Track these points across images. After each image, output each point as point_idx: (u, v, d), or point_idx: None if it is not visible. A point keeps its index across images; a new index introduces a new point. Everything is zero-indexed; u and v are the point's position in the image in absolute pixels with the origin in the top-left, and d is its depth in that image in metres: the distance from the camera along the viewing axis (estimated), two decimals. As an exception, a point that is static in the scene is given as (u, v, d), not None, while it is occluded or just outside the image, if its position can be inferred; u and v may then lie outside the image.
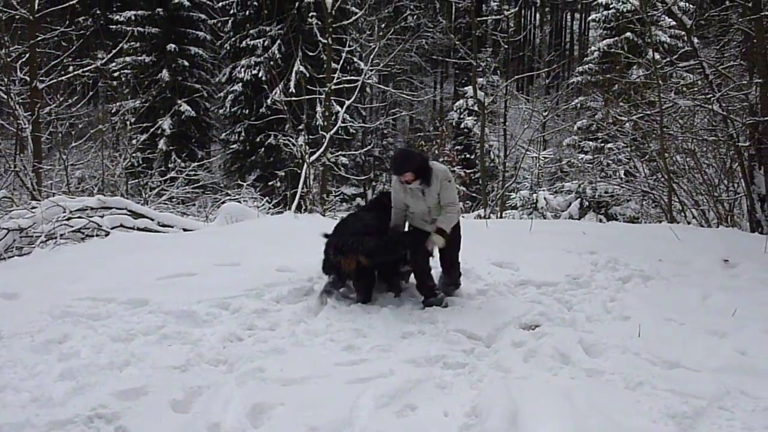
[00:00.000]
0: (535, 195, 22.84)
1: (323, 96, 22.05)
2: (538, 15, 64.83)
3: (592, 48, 32.39)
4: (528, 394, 5.09)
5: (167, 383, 5.25)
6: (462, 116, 36.48)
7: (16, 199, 14.58)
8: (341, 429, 4.66)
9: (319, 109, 27.82)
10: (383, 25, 25.18)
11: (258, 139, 33.23)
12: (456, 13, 40.46)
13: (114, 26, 33.65)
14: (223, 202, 16.93)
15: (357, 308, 7.20)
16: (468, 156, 35.65)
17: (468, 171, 28.29)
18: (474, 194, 28.40)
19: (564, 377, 5.59)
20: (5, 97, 17.27)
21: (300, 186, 17.13)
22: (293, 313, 7.04)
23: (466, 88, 37.29)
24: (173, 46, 34.32)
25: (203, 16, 36.79)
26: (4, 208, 13.73)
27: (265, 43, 33.20)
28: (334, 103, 22.07)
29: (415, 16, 28.66)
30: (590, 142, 26.48)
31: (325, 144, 18.83)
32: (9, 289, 7.94)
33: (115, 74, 29.50)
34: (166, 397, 5.02)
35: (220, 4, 36.37)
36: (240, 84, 33.64)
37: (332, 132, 19.11)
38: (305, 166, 17.39)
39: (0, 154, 17.28)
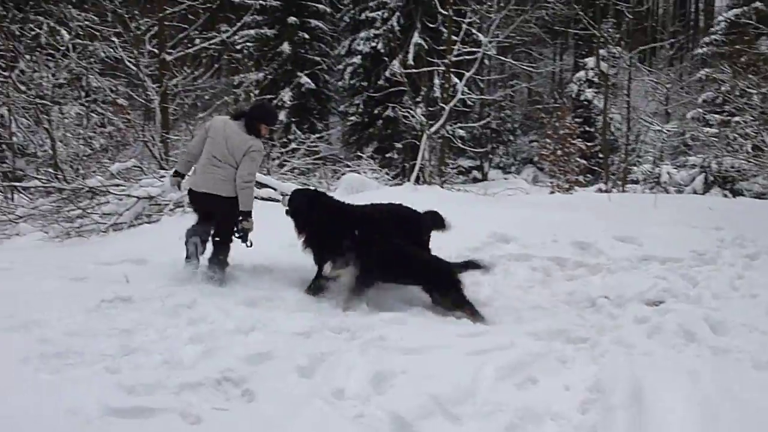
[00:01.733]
0: (657, 169, 22.22)
1: (442, 68, 21.93)
2: (662, -16, 62.83)
3: (719, 18, 31.16)
4: (652, 370, 4.98)
5: (292, 349, 5.35)
6: (582, 88, 35.68)
7: (145, 168, 15.06)
8: (462, 399, 4.65)
9: (437, 81, 27.69)
10: (504, -4, 24.78)
11: (376, 111, 33.32)
12: (578, -18, 39.61)
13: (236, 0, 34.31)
14: (344, 173, 17.09)
15: (481, 279, 7.16)
16: (587, 129, 34.93)
17: (589, 144, 27.67)
18: (594, 167, 27.84)
19: (689, 355, 5.45)
20: (135, 69, 17.81)
21: (419, 158, 17.13)
22: (414, 283, 7.07)
23: (586, 59, 36.43)
24: (294, 19, 34.68)
25: (324, -11, 37.09)
26: (134, 176, 14.21)
27: (384, 15, 33.20)
28: (453, 76, 21.93)
29: (535, -13, 28.10)
30: (716, 115, 25.51)
31: (444, 116, 18.73)
32: (139, 255, 8.27)
33: (238, 47, 30.03)
34: (291, 363, 5.11)
35: (341, -24, 36.59)
36: (359, 56, 33.78)
37: (451, 104, 18.99)
38: (424, 137, 17.37)
39: (130, 124, 17.87)
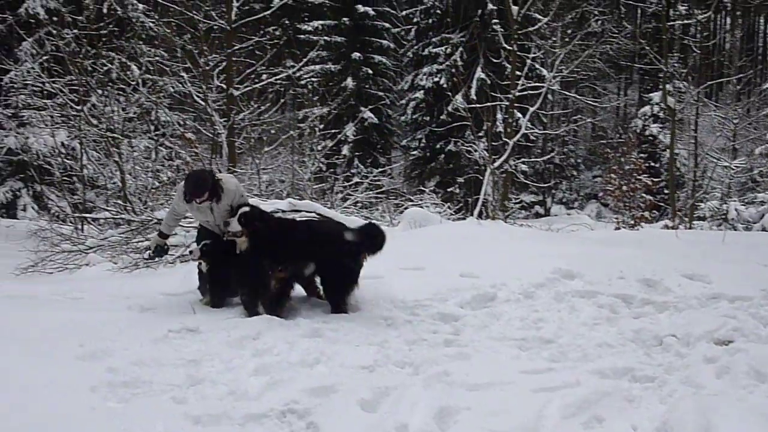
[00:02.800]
0: (725, 205, 21.79)
1: (505, 103, 21.91)
2: (728, 19, 61.95)
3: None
4: (721, 411, 4.83)
5: (356, 382, 5.33)
6: (647, 123, 35.30)
7: (212, 200, 15.28)
8: (526, 436, 4.58)
9: (499, 115, 27.68)
10: (569, 31, 24.69)
11: (438, 146, 33.44)
12: (642, 17, 39.28)
13: (302, 36, 34.73)
14: (406, 208, 17.10)
15: (546, 316, 7.09)
16: (652, 164, 34.47)
17: (654, 180, 27.31)
18: (660, 203, 27.43)
19: (760, 396, 5.28)
20: (203, 103, 18.16)
21: (482, 192, 17.08)
22: (476, 318, 7.05)
23: (651, 94, 36.08)
24: (358, 54, 35.15)
25: (387, 25, 37.47)
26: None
27: (447, 51, 33.39)
28: (516, 111, 21.90)
29: (599, 22, 27.92)
30: (785, 151, 25.01)
31: (508, 151, 18.68)
32: (206, 286, 8.36)
33: (303, 82, 30.44)
34: (355, 396, 5.08)
35: (404, 13, 36.88)
36: (422, 91, 33.99)
37: (515, 139, 18.94)
38: (488, 172, 17.32)
39: (197, 157, 18.18)
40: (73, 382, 5.19)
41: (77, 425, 4.57)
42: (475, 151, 19.87)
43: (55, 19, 23.05)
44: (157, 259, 8.64)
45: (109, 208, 15.88)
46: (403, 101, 36.02)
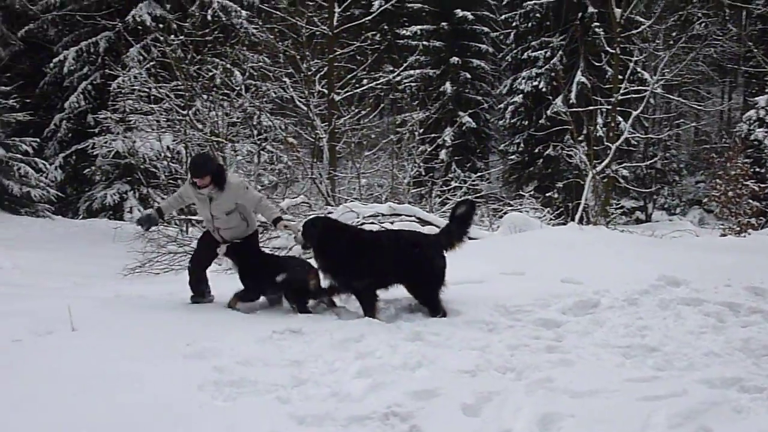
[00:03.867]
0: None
1: (607, 107, 21.54)
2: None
3: None
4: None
5: (457, 387, 5.32)
6: (752, 128, 34.15)
7: (313, 204, 15.48)
8: (636, 446, 4.48)
9: (600, 120, 27.25)
10: (673, 34, 24.10)
11: (537, 150, 33.09)
12: (748, 19, 38.07)
13: (401, 41, 34.87)
14: (505, 212, 17.00)
15: (651, 323, 6.93)
16: (758, 170, 33.36)
17: (762, 185, 26.38)
18: (767, 210, 26.50)
19: None
20: (305, 108, 18.42)
21: (583, 197, 16.83)
22: (579, 324, 6.95)
23: (757, 98, 34.87)
24: (456, 59, 35.12)
25: (486, 29, 37.36)
26: (302, 212, 14.62)
27: (547, 54, 33.05)
28: (618, 115, 21.52)
29: (704, 24, 27.16)
30: None
31: (610, 155, 18.35)
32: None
33: (402, 87, 30.55)
34: (457, 401, 5.07)
35: (503, 17, 36.60)
36: (520, 95, 33.70)
37: (617, 144, 18.59)
38: (589, 177, 17.06)
39: (299, 161, 18.42)
40: (182, 380, 5.36)
41: (187, 422, 4.72)
42: (575, 155, 19.55)
43: (161, 25, 23.67)
44: (145, 228, 8.68)
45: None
46: (502, 105, 35.77)
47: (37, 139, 26.77)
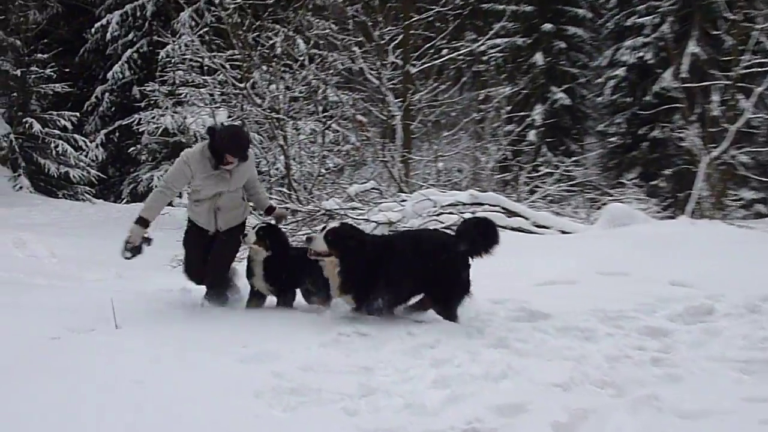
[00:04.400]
0: None
1: (725, 82, 21.10)
2: None
3: None
4: None
5: (547, 402, 5.25)
6: None
7: (384, 190, 15.54)
8: (753, 476, 4.41)
9: (716, 97, 26.71)
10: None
11: (641, 132, 32.55)
12: None
13: (486, 5, 34.59)
14: (605, 203, 16.83)
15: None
16: None
17: None
18: None
19: None
20: (376, 82, 18.42)
21: (695, 187, 16.56)
22: (690, 334, 6.85)
23: None
24: (549, 26, 34.68)
25: (584, -8, 36.88)
26: (372, 200, 14.67)
27: (655, 21, 32.46)
28: (738, 92, 21.05)
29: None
30: None
31: (727, 139, 18.00)
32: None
33: (485, 58, 30.42)
34: (548, 418, 4.99)
35: (605, -23, 36.17)
36: (623, 68, 33.16)
37: (737, 125, 18.20)
38: (703, 164, 16.78)
39: (368, 142, 18.46)
40: (236, 386, 5.39)
41: (241, 434, 4.75)
42: (687, 138, 19.23)
43: (215, -13, 23.89)
44: (134, 256, 7.82)
45: (272, 197, 16.33)
46: (601, 80, 35.27)
47: (77, 114, 27.37)
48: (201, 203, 7.78)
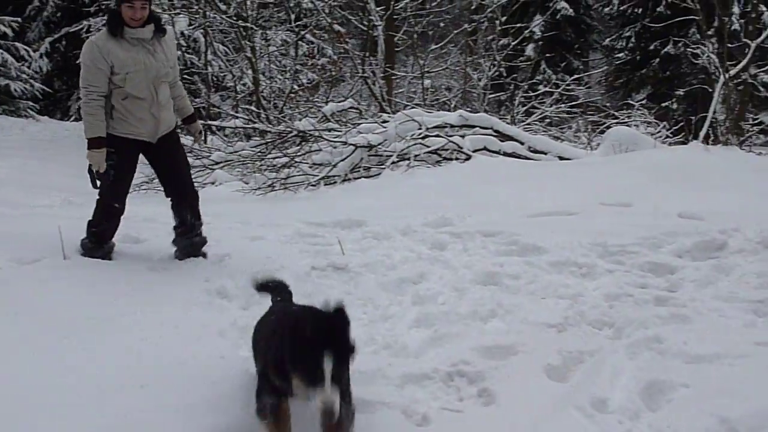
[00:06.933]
0: None
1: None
2: None
3: None
4: None
5: (540, 343, 5.34)
6: None
7: (364, 110, 15.47)
8: (764, 426, 4.43)
9: (736, 8, 26.61)
10: None
11: (651, 48, 32.53)
12: None
13: None
14: (609, 126, 16.82)
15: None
16: None
17: None
18: None
19: None
20: (357, -13, 18.25)
21: (711, 109, 16.55)
22: (699, 271, 6.88)
23: None
24: None
25: None
26: (350, 120, 14.58)
27: None
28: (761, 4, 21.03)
29: None
30: None
31: (748, 56, 17.95)
32: (355, 216, 8.59)
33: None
34: (540, 361, 5.08)
35: None
36: (633, -26, 33.08)
37: (759, 40, 18.16)
38: (719, 84, 16.75)
39: (347, 55, 18.31)
40: (199, 324, 5.54)
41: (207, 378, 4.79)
42: (703, 54, 19.18)
43: None
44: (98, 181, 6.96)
45: (238, 116, 16.23)
46: (610, -14, 35.17)
47: (18, 19, 26.93)
48: (136, 103, 6.88)
